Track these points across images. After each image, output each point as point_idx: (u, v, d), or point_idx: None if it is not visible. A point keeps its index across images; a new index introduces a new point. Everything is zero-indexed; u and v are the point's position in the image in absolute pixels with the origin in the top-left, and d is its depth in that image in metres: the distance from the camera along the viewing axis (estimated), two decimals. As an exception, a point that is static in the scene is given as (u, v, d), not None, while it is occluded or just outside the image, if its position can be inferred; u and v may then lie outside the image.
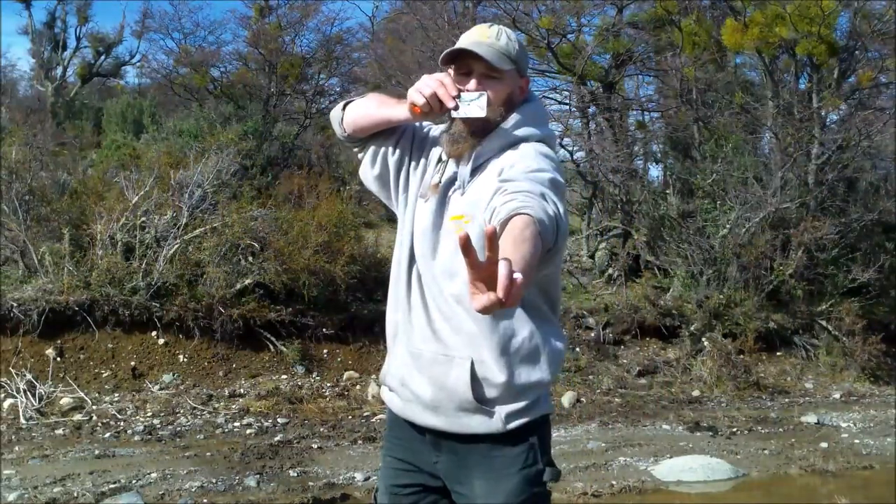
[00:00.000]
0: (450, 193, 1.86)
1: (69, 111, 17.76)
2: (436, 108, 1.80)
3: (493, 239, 1.24)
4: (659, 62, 13.67)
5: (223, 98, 15.33)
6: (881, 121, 11.37)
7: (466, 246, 1.23)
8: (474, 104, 1.79)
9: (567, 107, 13.98)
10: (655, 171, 15.38)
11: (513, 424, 1.82)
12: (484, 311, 1.26)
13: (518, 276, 1.25)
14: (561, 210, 1.62)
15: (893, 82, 12.19)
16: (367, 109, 1.96)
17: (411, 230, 1.93)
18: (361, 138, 2.01)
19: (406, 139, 2.00)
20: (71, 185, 9.48)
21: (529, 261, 1.39)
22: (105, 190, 8.70)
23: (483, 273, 1.25)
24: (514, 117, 1.87)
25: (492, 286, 1.24)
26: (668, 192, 11.83)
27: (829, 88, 11.30)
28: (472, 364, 1.80)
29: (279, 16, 16.62)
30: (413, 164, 1.98)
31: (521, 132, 1.86)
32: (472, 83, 1.83)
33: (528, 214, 1.48)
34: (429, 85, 1.80)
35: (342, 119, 1.99)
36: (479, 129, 1.84)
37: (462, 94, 1.80)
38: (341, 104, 2.02)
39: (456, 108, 1.79)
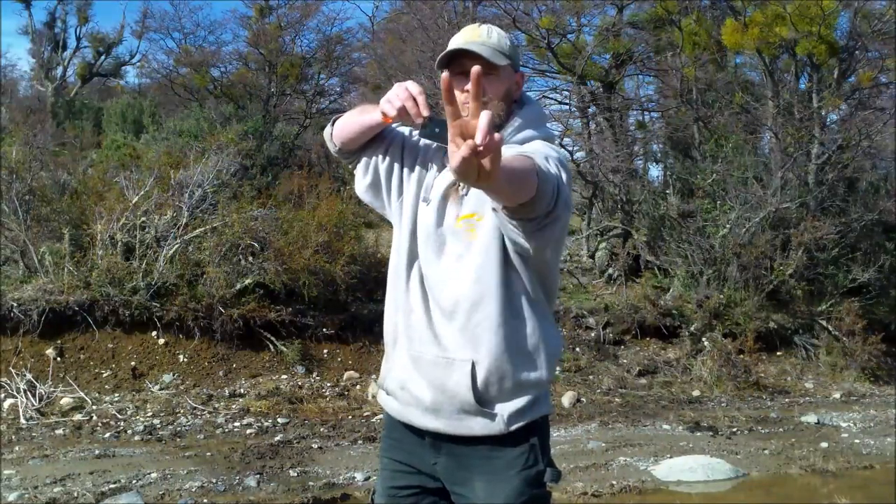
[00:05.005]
0: (459, 192, 1.87)
1: (69, 111, 17.76)
2: (406, 120, 1.82)
3: (478, 82, 1.25)
4: (659, 62, 13.69)
5: (223, 98, 15.36)
6: (881, 121, 11.37)
7: (449, 89, 1.25)
8: (442, 131, 1.75)
9: (567, 107, 14.02)
10: (655, 171, 15.41)
11: (515, 426, 1.83)
12: (462, 164, 1.25)
13: (497, 138, 1.26)
14: (564, 177, 1.67)
15: (893, 82, 12.20)
16: (350, 119, 2.00)
17: (410, 233, 1.94)
18: (353, 151, 2.04)
19: (396, 146, 2.02)
20: (71, 185, 9.48)
21: (517, 169, 1.46)
22: (105, 190, 8.69)
23: (464, 129, 1.26)
24: (515, 121, 1.89)
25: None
26: (668, 192, 11.83)
27: (829, 88, 11.30)
28: (473, 366, 1.81)
29: (279, 16, 16.66)
30: (406, 169, 2.00)
31: (524, 134, 1.89)
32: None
33: (528, 156, 1.58)
34: (399, 97, 1.80)
35: (332, 134, 2.04)
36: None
37: (433, 117, 1.79)
38: (331, 121, 2.07)
39: (424, 126, 1.78)
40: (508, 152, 1.60)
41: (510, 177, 1.40)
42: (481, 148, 1.22)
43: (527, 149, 1.75)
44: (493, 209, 1.68)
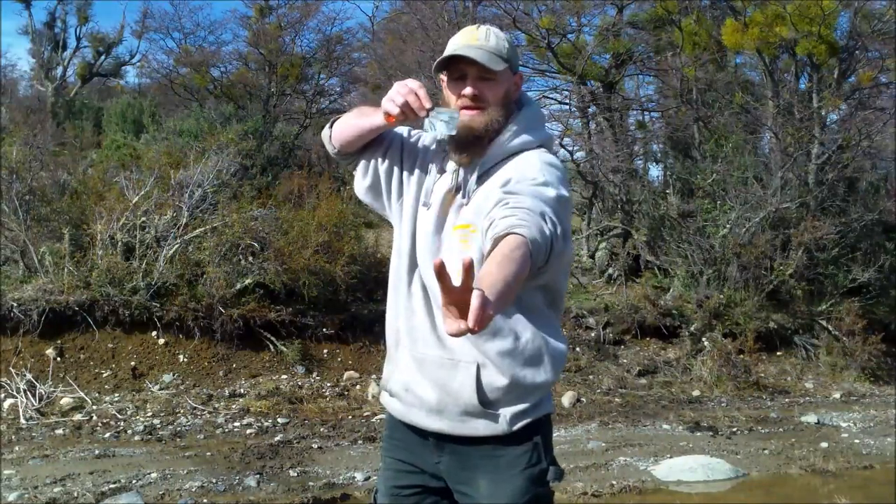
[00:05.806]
0: (458, 200, 1.87)
1: (69, 111, 17.75)
2: (410, 117, 1.81)
3: (468, 270, 1.28)
4: (659, 62, 13.69)
5: (223, 98, 15.36)
6: (881, 121, 11.38)
7: (441, 272, 1.27)
8: (445, 122, 1.78)
9: (567, 107, 14.02)
10: (655, 171, 15.40)
11: (518, 425, 1.83)
12: (453, 335, 1.32)
13: (491, 309, 1.30)
14: (558, 231, 1.61)
15: (893, 82, 12.21)
16: (349, 121, 1.98)
17: (410, 236, 1.94)
18: (351, 153, 2.03)
19: (395, 148, 2.01)
20: (71, 185, 9.48)
21: (511, 282, 1.41)
22: (105, 190, 8.68)
23: (456, 297, 1.29)
24: (513, 125, 1.88)
25: (464, 313, 1.28)
26: (668, 192, 11.83)
27: (829, 88, 11.30)
28: (478, 369, 1.81)
29: (279, 16, 16.66)
30: (405, 172, 1.99)
31: (522, 139, 1.88)
32: (468, 89, 1.84)
33: (521, 235, 1.49)
34: (400, 93, 1.80)
35: (331, 136, 2.02)
36: (482, 134, 1.85)
37: (435, 108, 1.79)
38: (329, 123, 2.05)
39: (427, 116, 1.79)
40: (501, 222, 1.54)
41: (505, 301, 1.40)
42: (476, 330, 1.27)
43: (522, 198, 1.63)
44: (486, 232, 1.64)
